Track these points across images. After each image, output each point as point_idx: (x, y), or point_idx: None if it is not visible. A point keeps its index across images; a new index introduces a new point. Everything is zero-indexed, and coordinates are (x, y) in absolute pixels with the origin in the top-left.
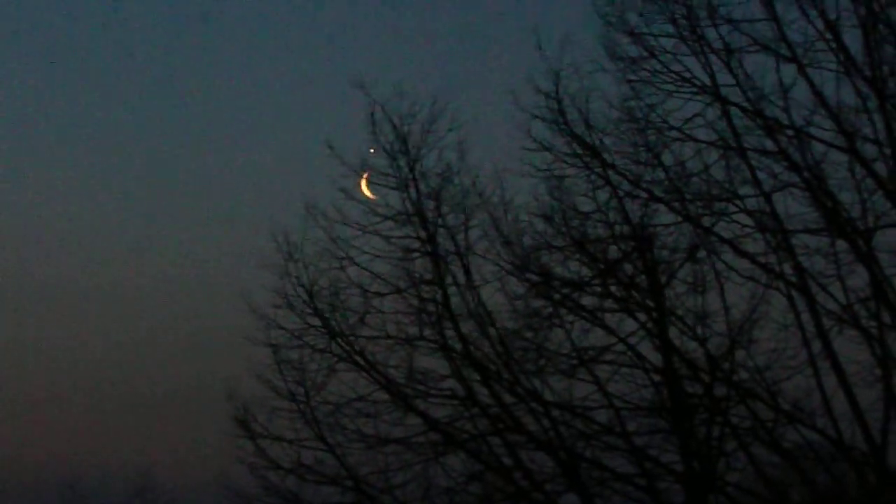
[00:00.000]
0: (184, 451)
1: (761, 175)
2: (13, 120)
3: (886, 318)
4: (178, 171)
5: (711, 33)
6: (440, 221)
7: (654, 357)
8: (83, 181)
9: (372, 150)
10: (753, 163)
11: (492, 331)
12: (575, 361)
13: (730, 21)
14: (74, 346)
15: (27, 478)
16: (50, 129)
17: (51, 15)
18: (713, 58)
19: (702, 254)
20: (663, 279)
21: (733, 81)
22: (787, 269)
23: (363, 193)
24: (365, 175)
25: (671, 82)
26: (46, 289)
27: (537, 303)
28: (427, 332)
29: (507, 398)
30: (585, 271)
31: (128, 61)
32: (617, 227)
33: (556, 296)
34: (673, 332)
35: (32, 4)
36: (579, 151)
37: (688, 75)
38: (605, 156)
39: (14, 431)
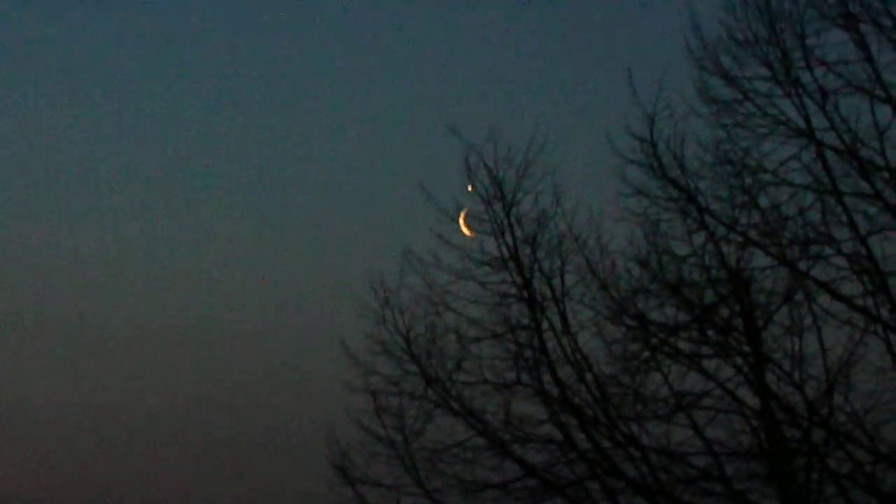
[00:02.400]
0: (283, 497)
1: (857, 218)
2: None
3: None
4: (275, 216)
5: (806, 76)
6: (536, 266)
7: (752, 401)
8: (182, 224)
9: (470, 188)
10: (849, 205)
11: (588, 376)
12: (672, 406)
13: (824, 63)
14: (174, 389)
15: None
16: (140, 174)
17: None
18: (808, 100)
19: (798, 297)
20: (760, 323)
21: (828, 124)
22: (885, 311)
23: (462, 232)
24: (462, 213)
25: (765, 125)
26: (146, 329)
27: (634, 347)
28: (524, 378)
29: (605, 443)
30: (682, 316)
31: (223, 115)
32: (713, 271)
33: (653, 340)
34: (770, 377)
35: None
36: (674, 195)
37: (782, 118)
38: (701, 199)
39: (113, 469)
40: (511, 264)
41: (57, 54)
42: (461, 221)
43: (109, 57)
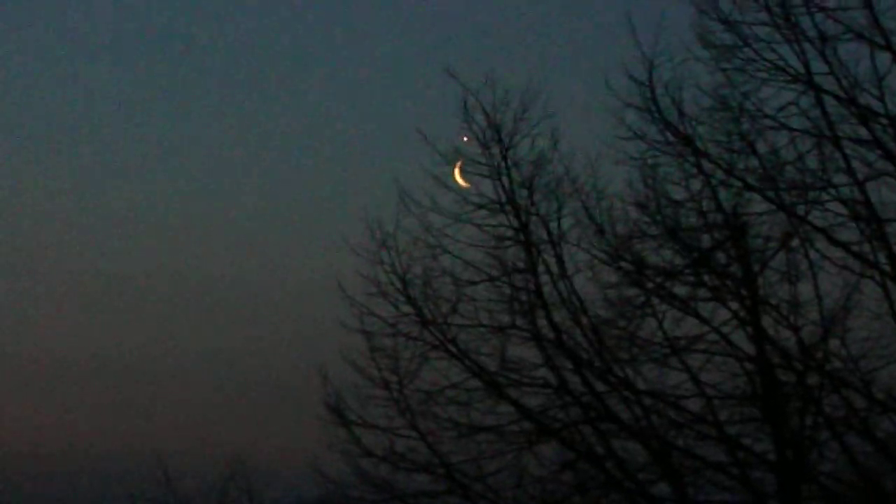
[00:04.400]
0: (276, 437)
1: (855, 164)
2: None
3: None
4: (271, 161)
5: (806, 21)
6: (533, 210)
7: (747, 346)
8: (180, 175)
9: (465, 139)
10: (847, 151)
11: (584, 319)
12: (667, 350)
13: (824, 9)
14: (168, 333)
15: (118, 459)
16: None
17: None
18: (807, 46)
19: (795, 243)
20: (756, 268)
21: (827, 70)
22: (882, 258)
23: (456, 182)
24: (458, 164)
25: (765, 70)
26: (150, 282)
27: (630, 291)
28: (519, 321)
29: (600, 387)
30: (678, 260)
31: (219, 52)
32: (710, 216)
33: (649, 284)
34: (766, 321)
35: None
36: (672, 139)
37: (781, 63)
38: (699, 144)
39: (107, 414)
40: (508, 207)
41: None
42: (457, 172)
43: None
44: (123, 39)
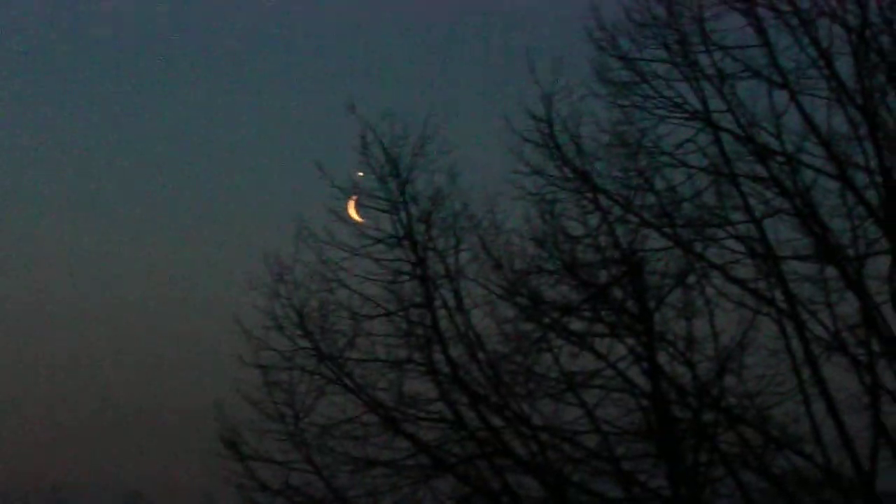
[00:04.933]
0: (172, 471)
1: (752, 201)
2: None
3: (875, 345)
4: (168, 192)
5: (704, 59)
6: (430, 244)
7: (643, 382)
8: (77, 202)
9: (361, 174)
10: (745, 189)
11: (481, 354)
12: (563, 386)
13: (722, 47)
14: (66, 363)
15: (13, 494)
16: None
17: None
18: (705, 83)
19: (692, 279)
20: (653, 304)
21: (725, 107)
22: (777, 295)
23: (352, 216)
24: (353, 199)
25: (663, 107)
26: (41, 306)
27: (527, 326)
28: (416, 356)
29: (496, 422)
30: (575, 295)
31: (118, 83)
32: (607, 252)
33: (546, 320)
34: (662, 358)
35: None
36: (570, 176)
37: (680, 101)
38: (596, 180)
39: (7, 448)
40: (405, 242)
41: None
42: (351, 208)
43: None
44: None
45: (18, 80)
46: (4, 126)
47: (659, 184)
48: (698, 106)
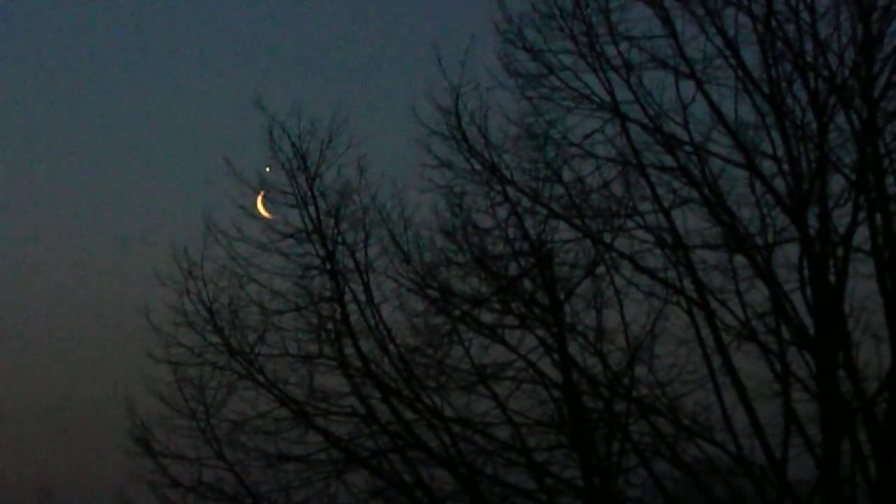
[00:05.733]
0: (83, 468)
1: (661, 191)
2: None
3: (785, 333)
4: (77, 186)
5: (611, 50)
6: (339, 239)
7: (554, 373)
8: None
9: (269, 168)
10: (653, 179)
11: (392, 348)
12: (475, 378)
13: (629, 38)
14: None
15: None
16: None
17: None
18: (612, 75)
19: (601, 270)
20: (563, 295)
21: (633, 98)
22: (687, 284)
23: (260, 212)
24: (260, 194)
25: (570, 99)
26: None
27: (437, 319)
28: (327, 350)
29: (408, 415)
30: (485, 288)
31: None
32: (517, 244)
33: (456, 312)
34: (573, 349)
35: None
36: (478, 168)
37: (587, 92)
38: (505, 172)
39: None
40: (315, 236)
41: None
42: (259, 204)
43: None
44: None
45: None
46: None
47: (567, 175)
48: (606, 97)
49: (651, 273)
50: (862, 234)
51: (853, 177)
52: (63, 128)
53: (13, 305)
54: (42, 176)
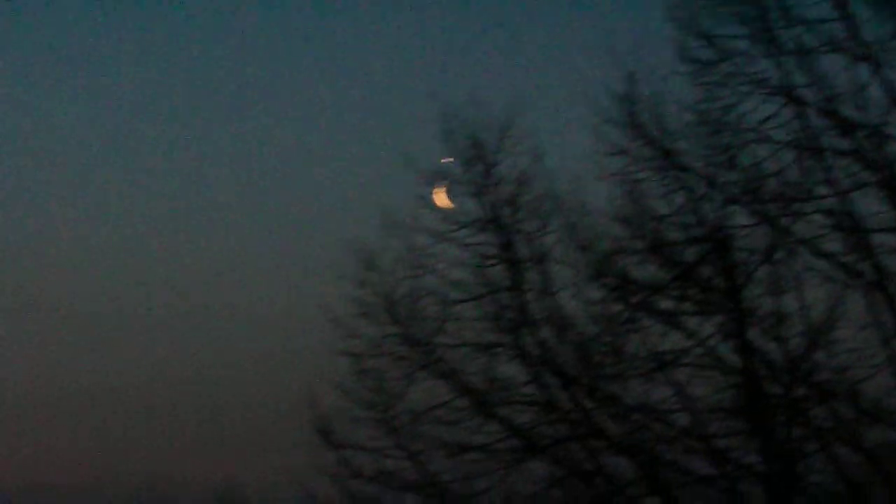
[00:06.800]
0: (267, 463)
1: (838, 175)
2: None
3: None
4: (257, 185)
5: (784, 35)
6: (517, 228)
7: (733, 359)
8: (165, 202)
9: (448, 160)
10: (829, 162)
11: (570, 336)
12: (653, 365)
13: (802, 22)
14: (158, 360)
15: (112, 490)
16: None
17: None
18: (787, 59)
19: (780, 254)
20: (741, 281)
21: (807, 82)
22: (866, 268)
23: (438, 203)
24: (438, 188)
25: (745, 84)
26: (138, 312)
27: (615, 307)
28: (506, 339)
29: (587, 403)
30: (662, 274)
31: (207, 74)
32: (693, 230)
33: (634, 300)
34: (751, 334)
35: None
36: (654, 155)
37: (761, 77)
38: (681, 159)
39: (99, 445)
40: (492, 226)
41: None
42: (438, 194)
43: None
44: None
45: None
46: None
47: (743, 160)
48: (781, 81)
49: (830, 257)
50: None
51: None
52: (241, 121)
53: (196, 303)
54: (221, 173)
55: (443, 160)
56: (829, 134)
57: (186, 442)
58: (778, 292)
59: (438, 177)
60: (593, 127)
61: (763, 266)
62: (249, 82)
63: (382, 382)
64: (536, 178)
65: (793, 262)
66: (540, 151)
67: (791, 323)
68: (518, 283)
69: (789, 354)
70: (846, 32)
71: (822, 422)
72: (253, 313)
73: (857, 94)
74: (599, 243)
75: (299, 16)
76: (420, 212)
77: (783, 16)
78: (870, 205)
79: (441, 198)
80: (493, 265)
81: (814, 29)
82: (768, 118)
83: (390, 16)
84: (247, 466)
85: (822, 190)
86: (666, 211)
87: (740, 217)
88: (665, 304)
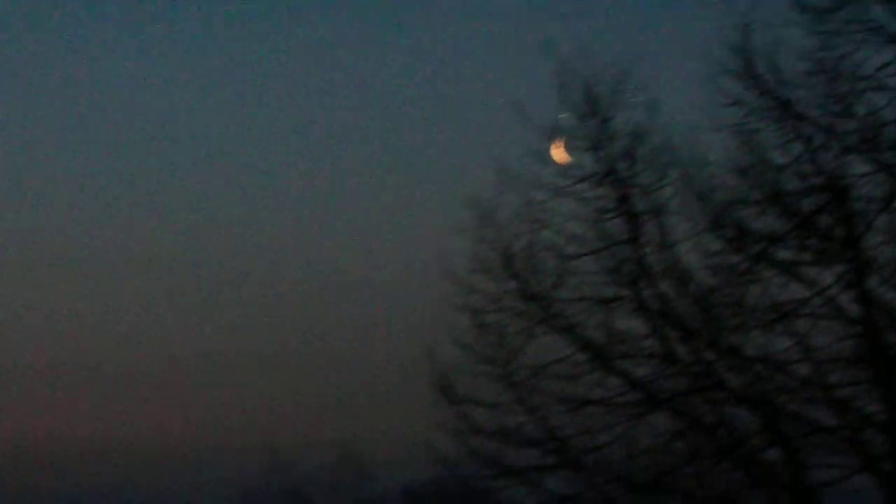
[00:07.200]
0: (387, 420)
1: None
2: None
3: None
4: (373, 144)
5: None
6: (634, 181)
7: (853, 308)
8: (287, 170)
9: (563, 115)
10: None
11: (689, 288)
12: (773, 316)
13: None
14: (278, 325)
15: (232, 451)
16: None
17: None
18: None
19: None
20: (860, 230)
21: None
22: None
23: (554, 158)
24: (555, 143)
25: (862, 31)
26: (261, 277)
27: (733, 258)
28: (624, 293)
29: (708, 355)
30: (781, 225)
31: (322, 37)
32: (811, 180)
33: (753, 250)
34: (871, 283)
35: None
36: (770, 105)
37: (878, 24)
38: (797, 108)
39: (220, 409)
40: (608, 179)
41: None
42: (555, 149)
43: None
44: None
45: None
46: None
47: (860, 109)
48: None
49: None
50: None
51: None
52: (357, 84)
53: (315, 265)
54: (339, 138)
55: (559, 116)
56: None
57: (308, 402)
58: None
59: (555, 132)
60: (709, 78)
61: (882, 214)
62: (368, 40)
63: (501, 338)
64: (652, 131)
65: None
66: (655, 104)
67: None
68: (636, 237)
69: None
70: None
71: None
72: (372, 272)
73: None
74: (717, 195)
75: None
76: (535, 166)
77: None
78: None
79: (558, 153)
80: (610, 219)
81: None
82: (885, 65)
83: None
84: (367, 424)
85: None
86: (783, 161)
87: (858, 165)
88: (784, 254)
